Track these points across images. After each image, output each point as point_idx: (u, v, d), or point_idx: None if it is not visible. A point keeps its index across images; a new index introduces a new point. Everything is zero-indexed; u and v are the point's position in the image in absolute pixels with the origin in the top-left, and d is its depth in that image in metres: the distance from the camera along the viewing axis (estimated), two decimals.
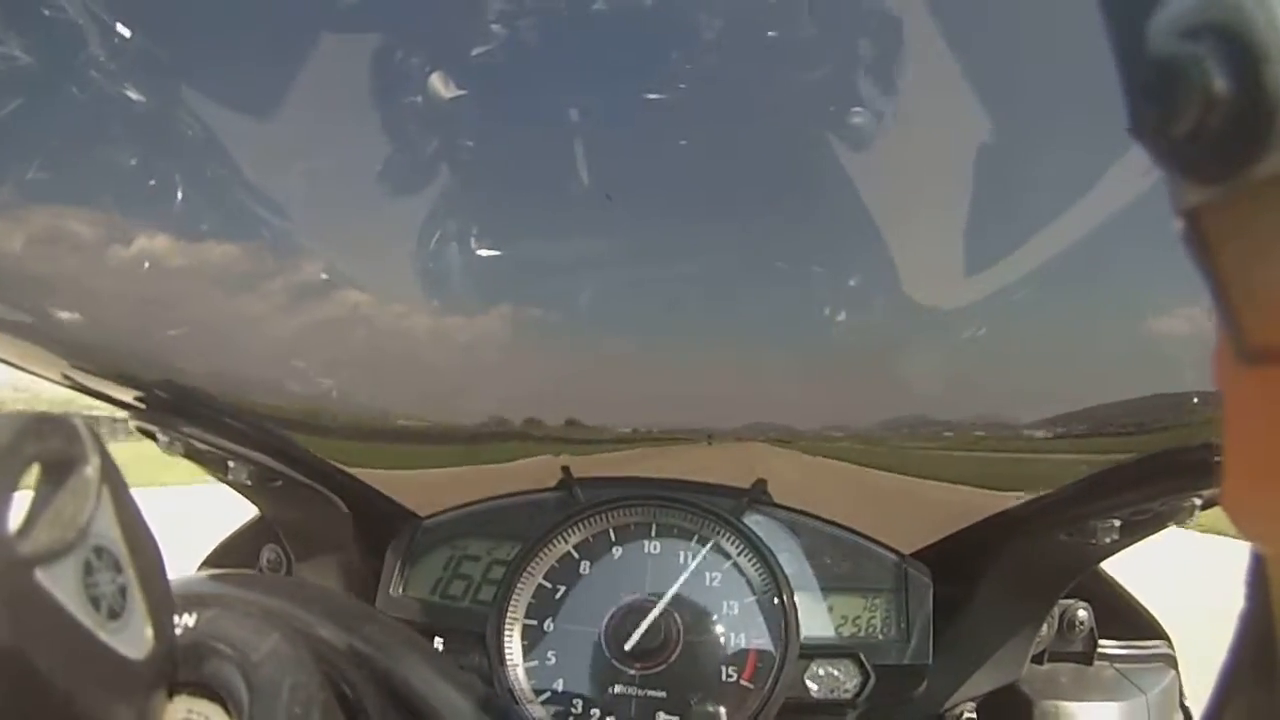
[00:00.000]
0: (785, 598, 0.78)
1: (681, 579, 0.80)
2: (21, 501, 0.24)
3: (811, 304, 0.70)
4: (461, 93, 0.63)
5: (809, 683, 0.77)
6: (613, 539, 0.82)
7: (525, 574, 0.81)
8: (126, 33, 0.60)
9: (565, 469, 0.85)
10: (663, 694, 0.76)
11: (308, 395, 0.78)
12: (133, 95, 0.61)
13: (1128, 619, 0.90)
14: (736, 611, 0.79)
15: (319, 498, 0.84)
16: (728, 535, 0.81)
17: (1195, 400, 0.63)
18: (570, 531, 0.83)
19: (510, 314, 0.72)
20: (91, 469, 0.26)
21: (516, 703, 0.76)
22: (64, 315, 0.70)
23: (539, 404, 0.77)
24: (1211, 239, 0.18)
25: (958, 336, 0.68)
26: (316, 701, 0.32)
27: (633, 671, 0.77)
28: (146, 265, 0.66)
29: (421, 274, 0.70)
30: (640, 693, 0.76)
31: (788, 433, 0.77)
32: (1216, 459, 0.21)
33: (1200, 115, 0.16)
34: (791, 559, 0.81)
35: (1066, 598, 0.86)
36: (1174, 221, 0.19)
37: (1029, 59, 0.57)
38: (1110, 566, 0.87)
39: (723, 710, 0.75)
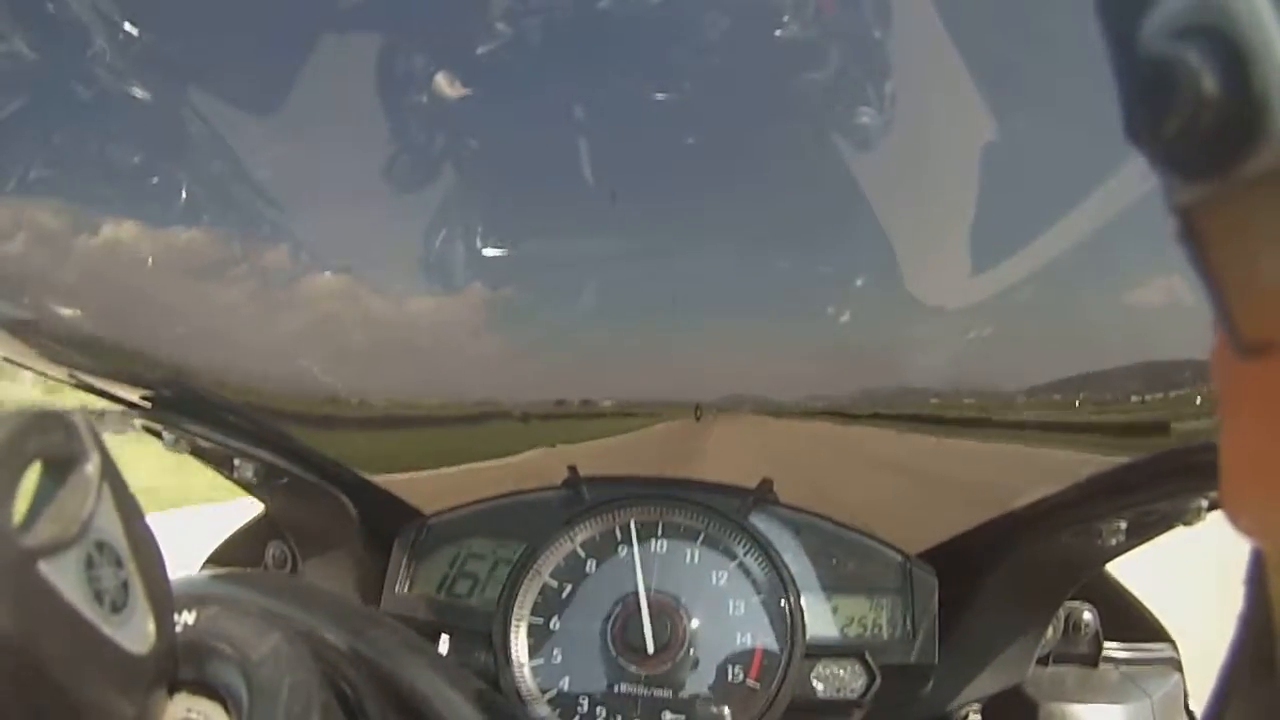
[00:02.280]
0: (791, 598, 0.78)
1: (687, 579, 0.80)
2: (24, 497, 0.25)
3: (805, 293, 0.70)
4: (466, 91, 0.63)
5: (814, 682, 0.77)
6: (619, 538, 0.82)
7: (531, 572, 0.81)
8: (134, 31, 0.60)
9: (572, 468, 0.85)
10: (668, 693, 0.76)
11: (307, 381, 0.78)
12: (137, 92, 0.62)
13: (1132, 621, 0.90)
14: (742, 611, 0.79)
15: (325, 495, 0.84)
16: (734, 535, 0.81)
17: (1198, 400, 0.63)
18: (576, 530, 0.83)
19: (508, 299, 0.73)
20: (92, 466, 0.27)
21: (522, 701, 0.76)
22: (69, 313, 0.70)
23: (532, 384, 0.77)
24: (1205, 236, 0.18)
25: (961, 333, 0.68)
26: (316, 701, 0.32)
27: (638, 671, 0.77)
28: (144, 254, 0.67)
29: (421, 262, 0.70)
30: (646, 692, 0.76)
31: (770, 405, 0.77)
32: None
33: (1191, 115, 0.17)
34: (797, 559, 0.81)
35: (1072, 600, 0.86)
36: (1170, 220, 0.19)
37: (1032, 59, 0.57)
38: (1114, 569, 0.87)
39: (728, 710, 0.75)
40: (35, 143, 0.64)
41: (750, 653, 0.77)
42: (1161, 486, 0.69)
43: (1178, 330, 0.62)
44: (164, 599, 0.30)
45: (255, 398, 0.79)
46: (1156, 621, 0.91)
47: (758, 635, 0.78)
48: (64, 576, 0.25)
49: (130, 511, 0.28)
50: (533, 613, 0.80)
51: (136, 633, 0.28)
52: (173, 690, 0.32)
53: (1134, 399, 0.69)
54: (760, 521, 0.82)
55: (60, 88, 0.62)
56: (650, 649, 0.76)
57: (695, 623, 0.78)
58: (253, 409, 0.79)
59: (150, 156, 0.65)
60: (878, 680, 0.76)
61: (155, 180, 0.65)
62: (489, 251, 0.70)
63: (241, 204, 0.68)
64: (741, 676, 0.76)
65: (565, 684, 0.77)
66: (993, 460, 0.79)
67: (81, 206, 0.67)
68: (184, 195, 0.65)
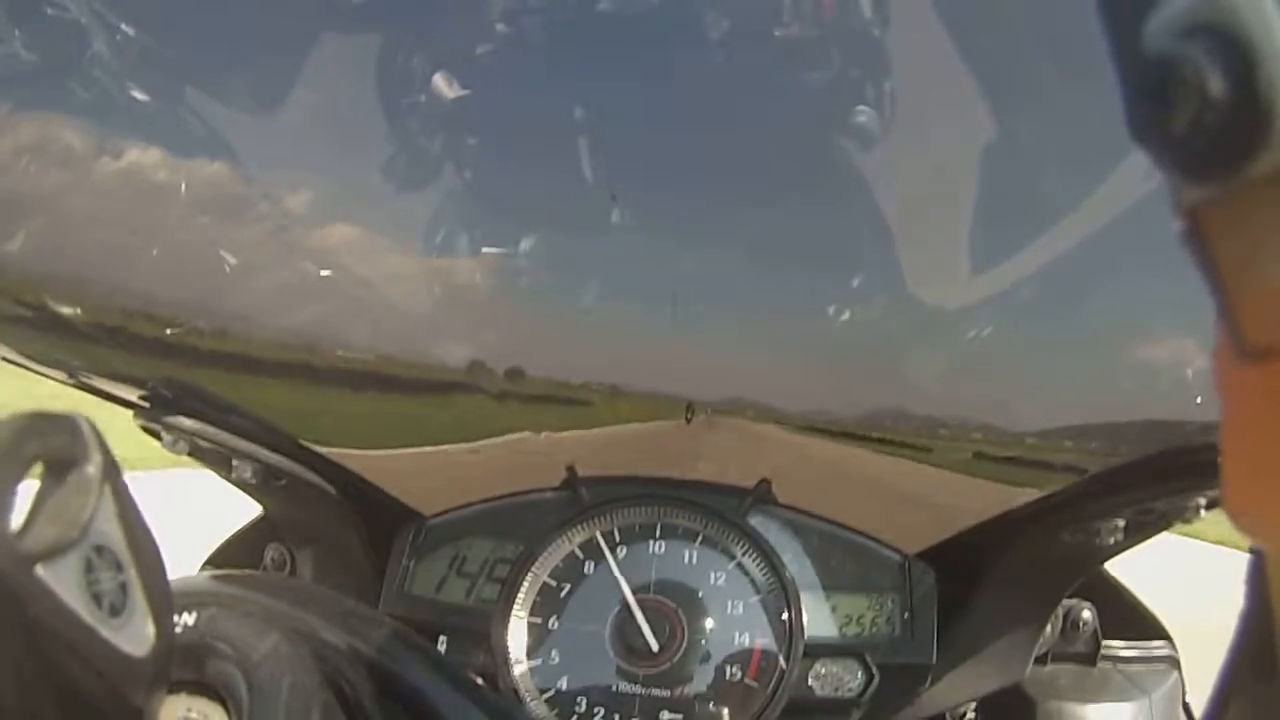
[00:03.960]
0: (789, 597, 0.78)
1: (685, 579, 0.80)
2: (24, 499, 0.24)
3: (812, 300, 0.70)
4: (464, 90, 0.63)
5: (812, 682, 0.77)
6: (617, 538, 0.82)
7: (530, 573, 0.81)
8: (130, 31, 0.60)
9: (570, 468, 0.85)
10: (666, 693, 0.76)
11: (294, 337, 0.77)
12: (138, 95, 0.62)
13: (1131, 620, 0.90)
14: (740, 611, 0.79)
15: (323, 496, 0.84)
16: (732, 535, 0.81)
17: (1198, 400, 0.63)
18: (575, 530, 0.83)
19: (505, 286, 0.73)
20: (93, 467, 0.27)
21: (520, 701, 0.76)
22: (65, 309, 0.70)
23: (519, 359, 0.76)
24: (1210, 237, 0.18)
25: (956, 338, 0.68)
26: (316, 701, 0.32)
27: (636, 671, 0.77)
28: (131, 211, 0.67)
29: (419, 251, 0.71)
30: (644, 692, 0.76)
31: (769, 413, 0.77)
32: (1219, 458, 0.21)
33: (1196, 115, 0.16)
34: (795, 559, 0.81)
35: (1070, 598, 0.86)
36: (1173, 222, 0.19)
37: (1034, 60, 0.57)
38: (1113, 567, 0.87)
39: (726, 710, 0.75)
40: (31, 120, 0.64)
41: (748, 652, 0.77)
42: (1160, 485, 0.69)
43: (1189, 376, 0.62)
44: (163, 601, 0.30)
45: (241, 347, 0.78)
46: (1155, 620, 0.91)
47: (756, 635, 0.78)
48: (62, 580, 0.25)
49: (130, 513, 0.28)
50: (531, 613, 0.80)
51: (136, 635, 0.28)
52: (172, 690, 0.32)
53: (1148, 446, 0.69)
54: (758, 522, 0.82)
55: (58, 87, 0.62)
56: (648, 649, 0.76)
57: (693, 623, 0.78)
58: (250, 409, 0.79)
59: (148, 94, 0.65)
60: (876, 679, 0.77)
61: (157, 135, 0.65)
62: (488, 248, 0.70)
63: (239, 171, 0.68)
64: (740, 676, 0.76)
65: (563, 684, 0.77)
66: (991, 460, 0.79)
67: (72, 190, 0.67)
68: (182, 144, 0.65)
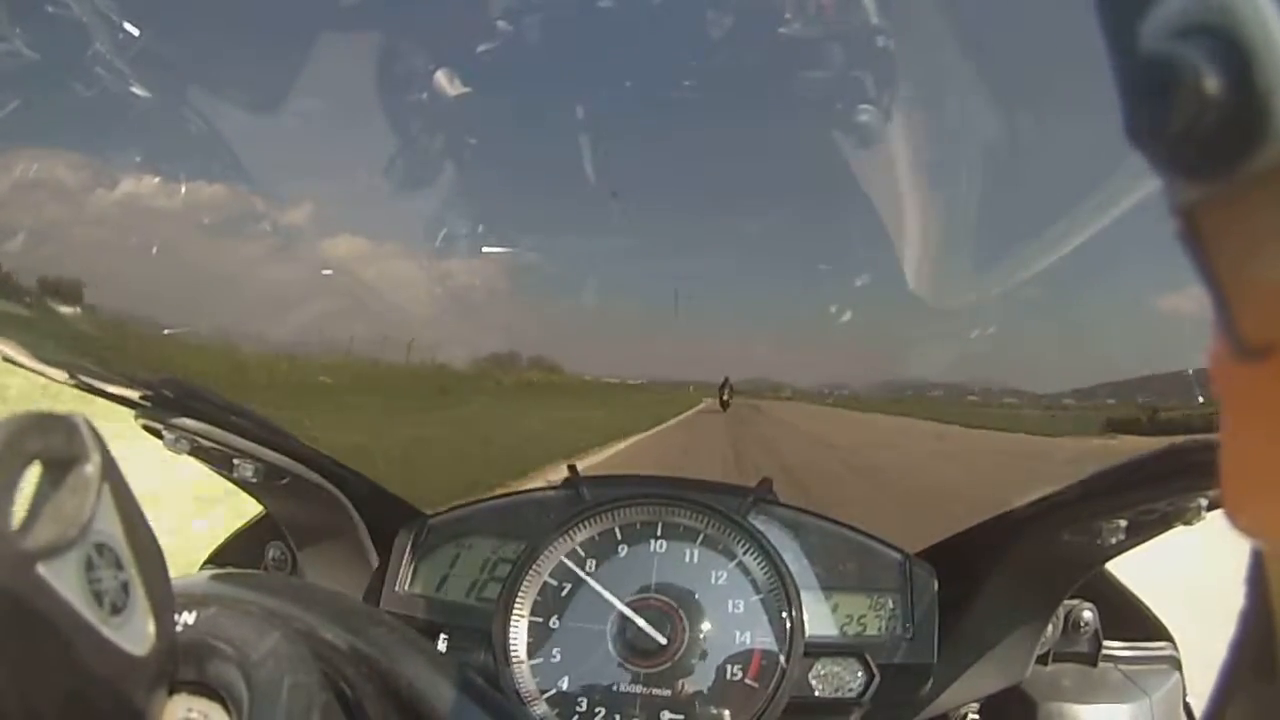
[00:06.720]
0: (790, 597, 0.78)
1: (686, 578, 0.80)
2: (24, 498, 0.24)
3: (818, 301, 0.70)
4: (466, 89, 0.63)
5: (813, 682, 0.77)
6: (618, 537, 0.82)
7: (531, 572, 0.81)
8: (135, 32, 0.60)
9: (571, 467, 0.85)
10: (667, 693, 0.76)
11: (310, 353, 0.78)
12: (139, 92, 0.62)
13: (1132, 620, 0.90)
14: (741, 610, 0.79)
15: (325, 495, 0.84)
16: (733, 534, 0.81)
17: (1200, 400, 0.62)
18: (576, 529, 0.83)
19: (514, 288, 0.73)
20: (92, 466, 0.27)
21: (521, 700, 0.76)
22: (68, 309, 0.70)
23: (530, 359, 0.77)
24: (1207, 236, 0.18)
25: (964, 332, 0.68)
26: (316, 701, 0.32)
27: (638, 670, 0.77)
28: (136, 215, 0.67)
29: (422, 252, 0.71)
30: (645, 691, 0.76)
31: (790, 391, 0.77)
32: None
33: (1193, 114, 0.16)
34: (796, 558, 0.81)
35: (1071, 598, 0.86)
36: (1171, 220, 0.19)
37: (1035, 58, 0.57)
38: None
39: (727, 710, 0.75)
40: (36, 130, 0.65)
41: (749, 652, 0.77)
42: (1161, 486, 0.69)
43: (1188, 337, 0.61)
44: (164, 600, 0.30)
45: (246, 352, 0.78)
46: (1156, 620, 0.90)
47: (757, 635, 0.78)
48: (63, 579, 0.25)
49: (131, 512, 0.28)
50: (532, 612, 0.80)
51: (136, 634, 0.28)
52: (173, 690, 0.32)
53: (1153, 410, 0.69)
54: (759, 521, 0.82)
55: (59, 88, 0.62)
56: (649, 648, 0.76)
57: (694, 622, 0.78)
58: (252, 408, 0.79)
59: (146, 138, 0.65)
60: (877, 679, 0.77)
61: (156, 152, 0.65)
62: (489, 248, 0.71)
63: (242, 179, 0.68)
64: (740, 676, 0.76)
65: (564, 683, 0.77)
66: (993, 459, 0.79)
67: (82, 172, 0.67)
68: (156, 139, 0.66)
